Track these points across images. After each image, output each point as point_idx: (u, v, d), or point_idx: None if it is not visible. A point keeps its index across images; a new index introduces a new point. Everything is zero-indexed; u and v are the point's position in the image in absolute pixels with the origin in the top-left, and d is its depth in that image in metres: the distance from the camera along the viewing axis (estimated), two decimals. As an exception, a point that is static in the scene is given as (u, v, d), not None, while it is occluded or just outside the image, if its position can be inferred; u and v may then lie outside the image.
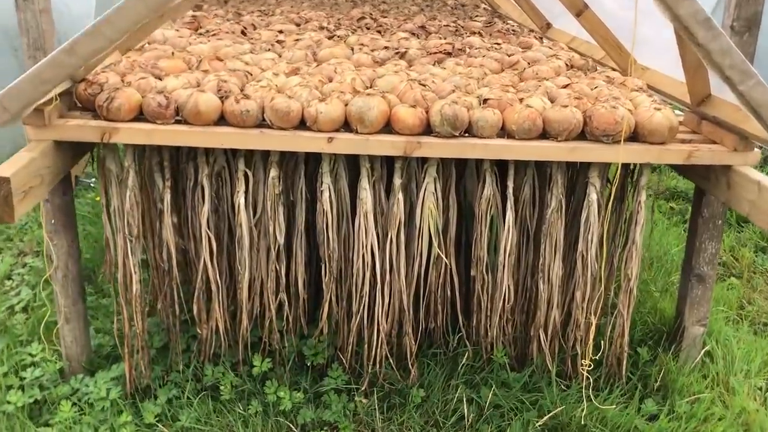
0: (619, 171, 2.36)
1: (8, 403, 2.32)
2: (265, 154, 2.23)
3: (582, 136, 2.17)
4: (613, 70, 2.90)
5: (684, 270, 2.61)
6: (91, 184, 4.16)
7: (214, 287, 2.32)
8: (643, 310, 2.89)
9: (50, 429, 2.25)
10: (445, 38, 3.23)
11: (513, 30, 3.72)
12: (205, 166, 2.24)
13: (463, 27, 3.67)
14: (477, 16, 4.26)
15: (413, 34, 3.36)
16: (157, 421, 2.29)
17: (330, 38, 3.09)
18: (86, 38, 1.83)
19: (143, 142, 2.10)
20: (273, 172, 2.22)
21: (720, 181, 2.23)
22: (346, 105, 2.12)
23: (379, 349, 2.34)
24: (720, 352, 2.67)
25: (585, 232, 2.30)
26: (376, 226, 2.23)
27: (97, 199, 3.84)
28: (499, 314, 2.38)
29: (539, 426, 2.30)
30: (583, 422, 2.28)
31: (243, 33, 3.21)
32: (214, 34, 3.08)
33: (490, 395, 2.37)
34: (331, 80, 2.40)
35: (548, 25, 4.01)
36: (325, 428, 2.32)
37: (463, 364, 2.48)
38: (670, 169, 4.33)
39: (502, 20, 4.20)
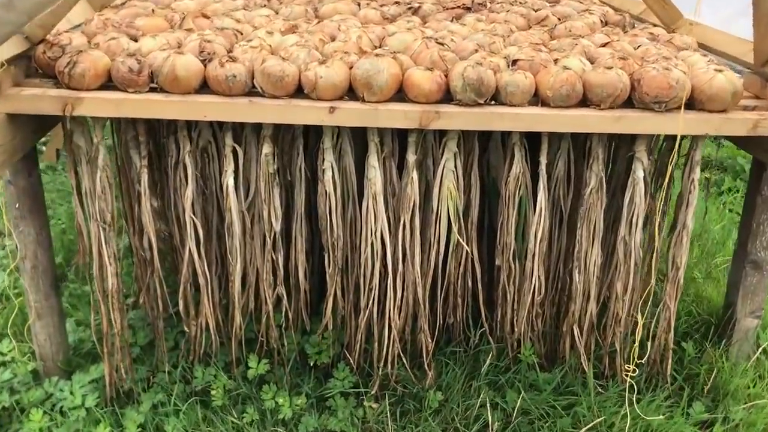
0: (662, 143, 2.09)
1: (-27, 410, 2.11)
2: (257, 127, 1.99)
3: (628, 103, 1.92)
4: (654, 25, 2.60)
5: (737, 255, 2.35)
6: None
7: (201, 279, 2.10)
8: (687, 298, 2.64)
9: (18, 441, 2.03)
10: (463, -9, 2.96)
11: (537, -18, 3.42)
12: (187, 142, 1.98)
13: (482, -20, 3.37)
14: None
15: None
16: (140, 432, 2.07)
17: (333, -8, 2.82)
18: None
19: (111, 115, 1.82)
20: (266, 148, 1.96)
21: (789, 154, 1.99)
22: (351, 68, 1.88)
23: (390, 348, 2.17)
24: (777, 349, 2.42)
25: (628, 214, 2.06)
26: (386, 209, 2.04)
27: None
28: (528, 308, 2.19)
29: (574, 436, 2.06)
30: (624, 432, 2.05)
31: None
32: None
33: (518, 400, 2.17)
34: (333, 39, 2.17)
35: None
36: (330, 438, 2.13)
37: (486, 364, 2.30)
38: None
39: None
